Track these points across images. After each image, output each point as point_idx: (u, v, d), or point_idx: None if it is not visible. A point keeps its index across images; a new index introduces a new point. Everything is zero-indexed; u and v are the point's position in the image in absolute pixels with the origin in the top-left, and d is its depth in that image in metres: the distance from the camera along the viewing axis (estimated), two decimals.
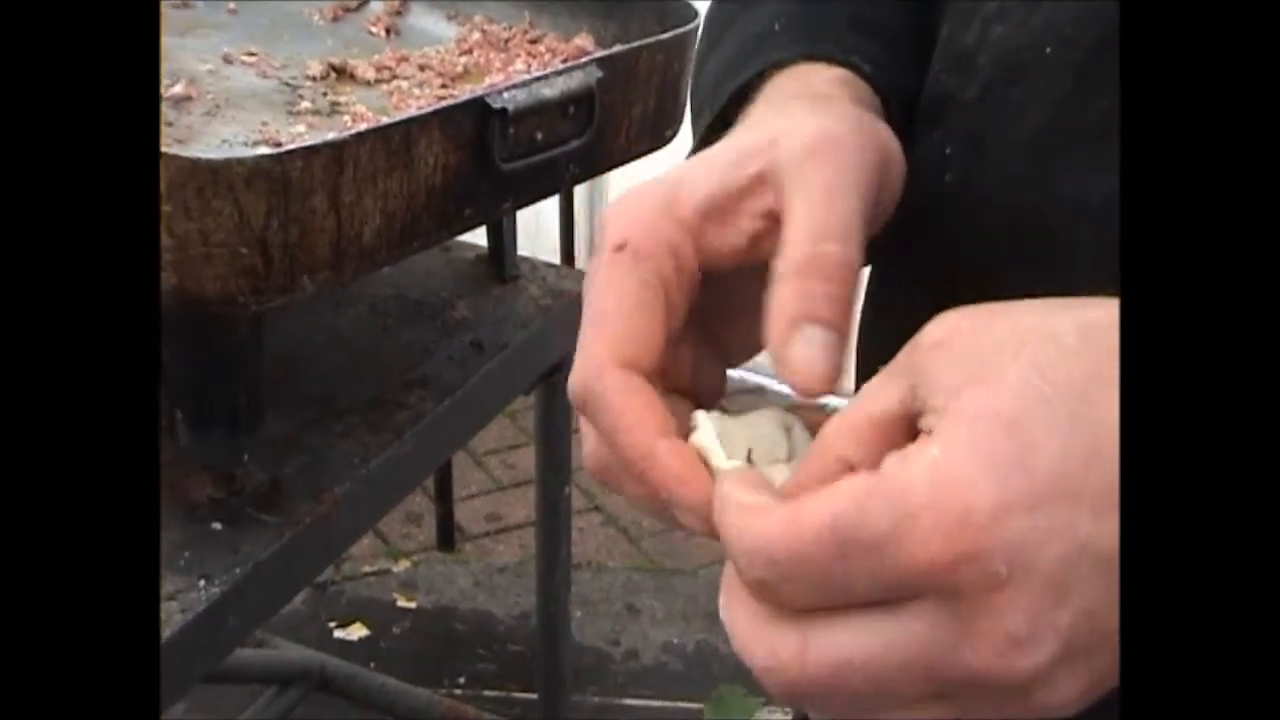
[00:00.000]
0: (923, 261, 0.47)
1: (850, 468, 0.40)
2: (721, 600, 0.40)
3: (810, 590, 0.37)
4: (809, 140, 0.45)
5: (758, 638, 0.39)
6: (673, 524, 0.44)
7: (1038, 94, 0.49)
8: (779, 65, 0.53)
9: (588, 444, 0.46)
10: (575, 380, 0.44)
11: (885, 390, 0.40)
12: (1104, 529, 0.36)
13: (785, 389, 0.42)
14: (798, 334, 0.42)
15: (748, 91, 0.53)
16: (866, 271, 0.58)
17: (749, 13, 0.57)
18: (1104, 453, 0.36)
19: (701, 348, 0.48)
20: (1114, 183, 0.46)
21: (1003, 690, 0.36)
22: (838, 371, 0.43)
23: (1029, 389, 0.37)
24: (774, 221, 0.45)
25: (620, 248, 0.45)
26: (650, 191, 0.46)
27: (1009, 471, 0.36)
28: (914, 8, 0.58)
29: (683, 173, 0.47)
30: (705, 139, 0.54)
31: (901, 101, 0.54)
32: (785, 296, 0.43)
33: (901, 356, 0.40)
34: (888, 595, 0.37)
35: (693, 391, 0.48)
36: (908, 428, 0.39)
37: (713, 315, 0.48)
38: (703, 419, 0.44)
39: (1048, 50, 0.49)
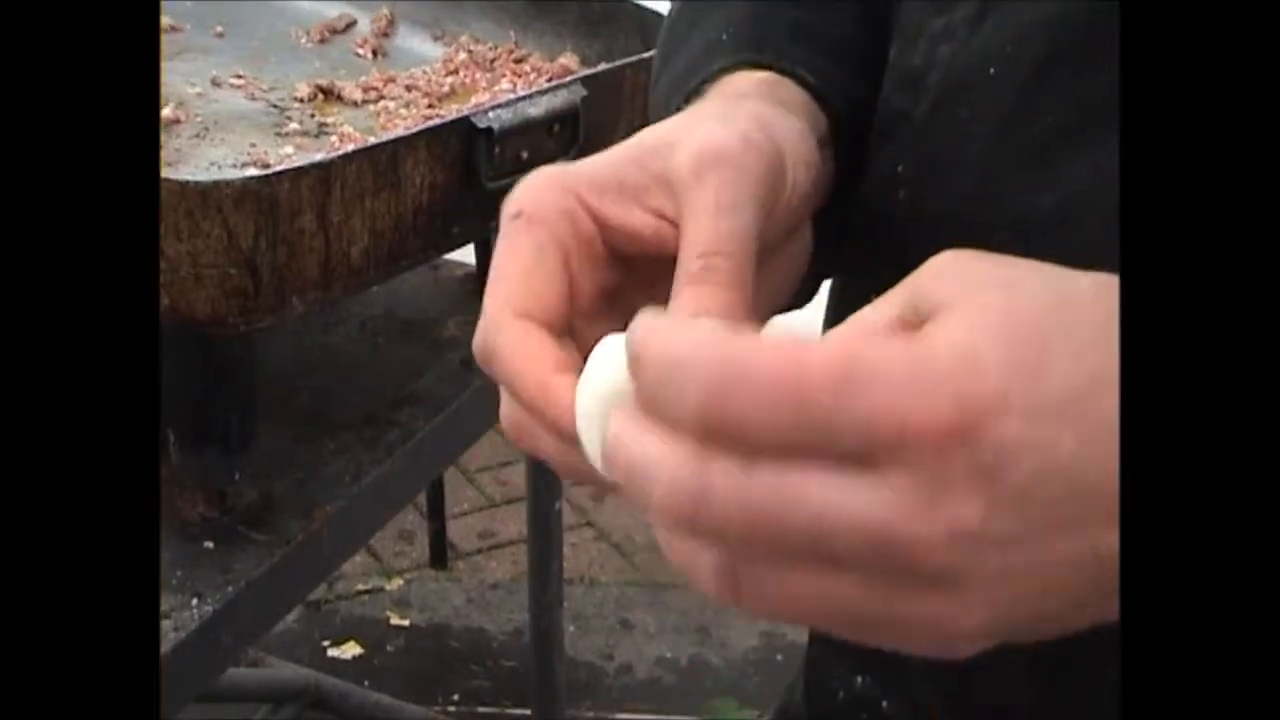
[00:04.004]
0: (879, 277, 0.49)
1: None
2: (615, 422, 0.38)
3: (785, 428, 0.35)
4: (697, 152, 0.46)
5: (675, 458, 0.36)
6: (588, 477, 0.44)
7: (983, 112, 0.50)
8: (724, 72, 0.54)
9: (503, 405, 0.46)
10: (477, 340, 0.45)
11: (877, 307, 0.40)
12: (1085, 455, 0.36)
13: None
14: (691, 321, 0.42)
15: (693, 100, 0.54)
16: (827, 286, 0.59)
17: (697, 29, 0.59)
18: (1108, 388, 0.36)
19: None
20: (1057, 198, 0.47)
21: (924, 577, 0.36)
22: None
23: (1050, 297, 0.37)
24: (673, 224, 0.46)
25: (516, 216, 0.46)
26: (548, 170, 0.48)
27: (1024, 374, 0.36)
28: (863, 24, 0.59)
29: (584, 160, 0.48)
30: None
31: (855, 110, 0.55)
32: (681, 303, 0.44)
33: (893, 290, 0.40)
34: (866, 453, 0.35)
35: None
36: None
37: (635, 296, 0.48)
38: (611, 339, 0.43)
39: (991, 70, 0.50)
